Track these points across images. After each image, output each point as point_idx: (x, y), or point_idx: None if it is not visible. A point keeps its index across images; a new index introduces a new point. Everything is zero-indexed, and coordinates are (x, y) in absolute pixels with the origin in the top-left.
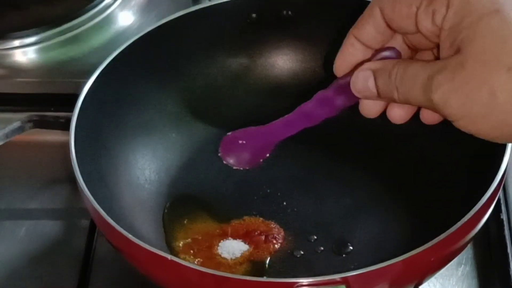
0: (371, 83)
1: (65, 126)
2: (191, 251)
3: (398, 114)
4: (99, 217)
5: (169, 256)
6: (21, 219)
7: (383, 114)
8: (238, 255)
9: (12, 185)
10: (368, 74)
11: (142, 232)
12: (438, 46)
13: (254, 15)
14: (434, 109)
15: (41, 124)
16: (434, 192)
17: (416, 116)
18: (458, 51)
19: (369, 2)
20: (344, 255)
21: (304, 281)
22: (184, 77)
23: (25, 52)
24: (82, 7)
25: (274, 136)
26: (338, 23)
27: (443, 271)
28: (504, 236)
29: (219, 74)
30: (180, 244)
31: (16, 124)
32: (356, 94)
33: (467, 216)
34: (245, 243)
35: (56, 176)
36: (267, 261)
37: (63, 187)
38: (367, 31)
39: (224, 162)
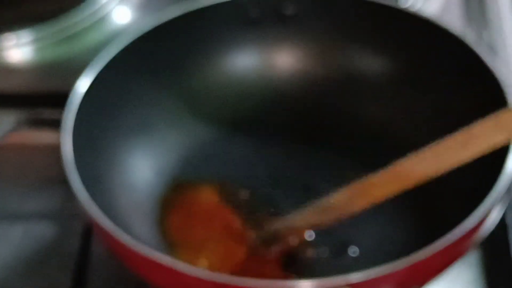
0: None
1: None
2: (191, 252)
3: None
4: (93, 220)
5: (168, 261)
6: (16, 221)
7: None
8: None
9: (6, 187)
10: None
11: (140, 235)
12: None
13: (254, 15)
14: None
15: (37, 123)
16: (438, 192)
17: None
18: None
19: (369, 2)
20: (345, 257)
21: (305, 283)
22: (183, 76)
23: (20, 50)
24: (78, 4)
25: None
26: (339, 23)
27: (446, 274)
28: (508, 239)
29: (218, 74)
30: (179, 247)
31: (11, 123)
32: None
33: (473, 218)
34: None
35: (52, 177)
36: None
37: (59, 188)
38: None
39: None
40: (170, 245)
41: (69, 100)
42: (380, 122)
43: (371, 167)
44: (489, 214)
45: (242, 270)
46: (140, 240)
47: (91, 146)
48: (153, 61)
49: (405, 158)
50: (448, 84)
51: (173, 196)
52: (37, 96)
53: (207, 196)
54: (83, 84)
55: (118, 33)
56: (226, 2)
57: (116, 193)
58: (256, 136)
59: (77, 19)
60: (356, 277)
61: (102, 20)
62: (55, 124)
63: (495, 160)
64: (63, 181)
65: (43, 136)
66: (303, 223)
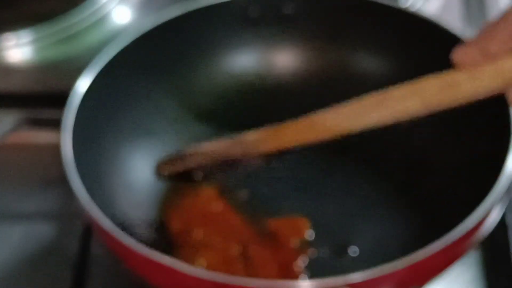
0: None
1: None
2: (191, 252)
3: None
4: (93, 220)
5: (168, 261)
6: (16, 221)
7: None
8: None
9: (6, 187)
10: None
11: (140, 235)
12: None
13: (254, 14)
14: None
15: (37, 123)
16: (438, 192)
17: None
18: None
19: (369, 1)
20: (345, 257)
21: (305, 283)
22: (183, 76)
23: (20, 50)
24: (78, 4)
25: None
26: (339, 23)
27: (446, 274)
28: (508, 239)
29: (218, 74)
30: (179, 247)
31: (11, 123)
32: None
33: (473, 218)
34: None
35: (52, 177)
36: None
37: (59, 188)
38: None
39: None
40: (170, 245)
41: (69, 100)
42: None
43: (371, 167)
44: (489, 214)
45: (242, 269)
46: (140, 240)
47: (91, 146)
48: (153, 61)
49: (321, 111)
50: None
51: (173, 197)
52: (37, 96)
53: (207, 196)
54: (83, 84)
55: (118, 33)
56: (226, 2)
57: (116, 193)
58: None
59: (77, 19)
60: (356, 277)
61: (102, 20)
62: (55, 124)
63: (495, 160)
64: (63, 181)
65: (43, 136)
66: (215, 150)
